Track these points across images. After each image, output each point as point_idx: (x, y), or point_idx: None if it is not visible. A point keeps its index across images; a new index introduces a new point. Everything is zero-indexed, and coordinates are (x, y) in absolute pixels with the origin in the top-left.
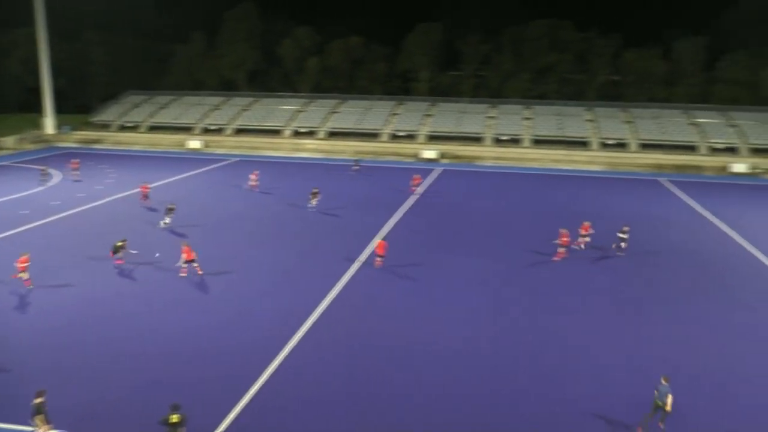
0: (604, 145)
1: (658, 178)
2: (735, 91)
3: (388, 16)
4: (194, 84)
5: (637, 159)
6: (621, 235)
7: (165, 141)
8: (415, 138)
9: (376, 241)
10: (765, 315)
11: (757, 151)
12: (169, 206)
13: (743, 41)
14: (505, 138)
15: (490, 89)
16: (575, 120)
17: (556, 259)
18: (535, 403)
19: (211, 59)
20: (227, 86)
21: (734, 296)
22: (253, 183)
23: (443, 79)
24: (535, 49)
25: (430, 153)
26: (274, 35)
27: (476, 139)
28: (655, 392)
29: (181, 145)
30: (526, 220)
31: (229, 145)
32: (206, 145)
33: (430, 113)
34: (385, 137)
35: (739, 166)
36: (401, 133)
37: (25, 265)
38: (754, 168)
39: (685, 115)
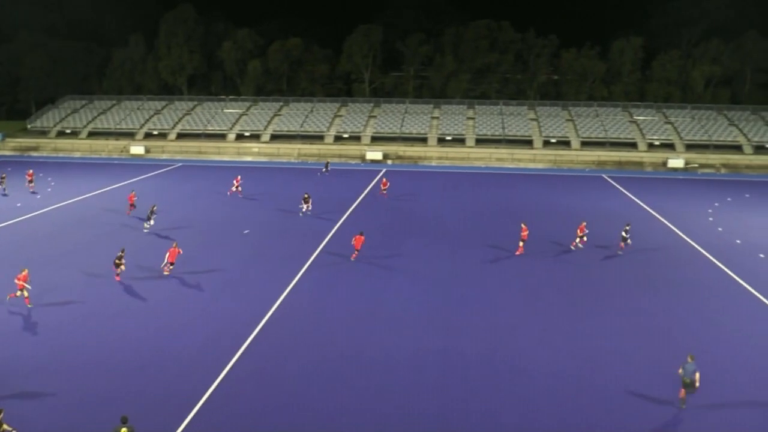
0: (547, 143)
1: (601, 174)
2: (668, 89)
3: (327, 17)
4: (135, 88)
5: (579, 156)
6: (624, 234)
7: (106, 147)
8: (359, 139)
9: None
10: (706, 301)
11: (692, 147)
12: (152, 208)
13: (675, 42)
14: (449, 138)
15: (433, 89)
16: (518, 119)
17: (518, 253)
18: (490, 401)
19: (151, 63)
20: (168, 90)
21: (678, 286)
22: (236, 188)
23: (386, 80)
24: (475, 50)
25: (374, 154)
26: (213, 37)
27: (420, 140)
28: (680, 371)
29: (124, 150)
30: (474, 219)
31: (172, 150)
32: (149, 151)
33: (373, 114)
34: (329, 139)
35: (676, 161)
36: (345, 135)
37: (23, 283)
38: (689, 163)
39: (624, 112)
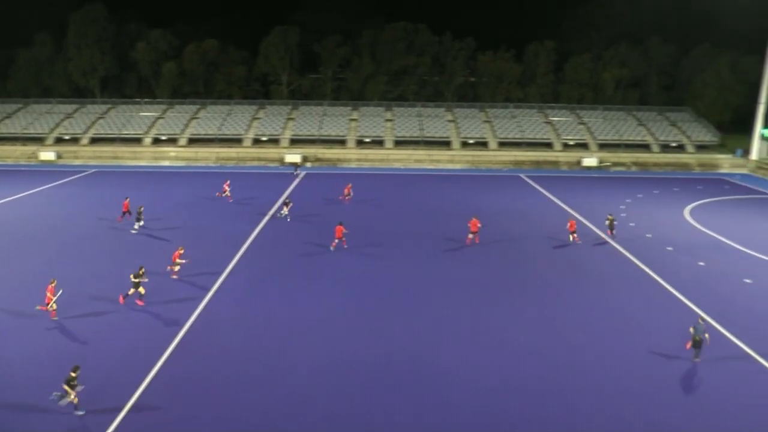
0: (465, 144)
1: (519, 174)
2: (581, 91)
3: (243, 18)
4: (43, 90)
5: (497, 156)
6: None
7: (13, 153)
8: (278, 142)
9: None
10: (620, 292)
11: (604, 146)
12: (139, 209)
13: (586, 45)
14: (367, 140)
15: (351, 91)
16: (436, 120)
17: (467, 242)
18: (413, 400)
19: (60, 64)
20: (79, 93)
21: (594, 279)
22: (226, 192)
23: (304, 82)
24: (392, 52)
25: (293, 157)
26: (126, 38)
27: (339, 142)
28: (692, 329)
29: (33, 156)
30: (397, 219)
31: (85, 156)
32: (60, 156)
33: (292, 117)
34: (248, 142)
35: (590, 160)
36: (264, 138)
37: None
38: (602, 161)
39: (539, 113)
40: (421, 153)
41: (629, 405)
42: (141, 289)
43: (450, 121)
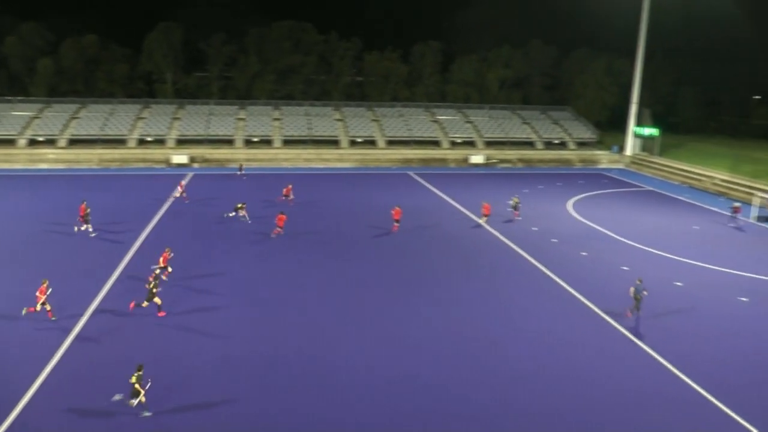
0: (354, 143)
1: (407, 172)
2: (467, 90)
3: (125, 14)
4: None
5: (385, 155)
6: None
7: None
8: (164, 142)
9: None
10: (509, 284)
11: (491, 144)
12: (87, 211)
13: (471, 47)
14: (255, 139)
15: (238, 90)
16: (324, 119)
17: (394, 229)
18: (309, 400)
19: None
20: None
21: (484, 272)
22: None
23: (189, 81)
24: (279, 51)
25: (180, 157)
26: None
27: (227, 142)
28: (632, 289)
29: None
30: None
31: None
32: None
33: (177, 116)
34: (132, 143)
35: (477, 158)
36: (149, 138)
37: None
38: (488, 159)
39: (427, 112)
40: (310, 152)
41: (522, 392)
42: (157, 299)
43: (338, 120)
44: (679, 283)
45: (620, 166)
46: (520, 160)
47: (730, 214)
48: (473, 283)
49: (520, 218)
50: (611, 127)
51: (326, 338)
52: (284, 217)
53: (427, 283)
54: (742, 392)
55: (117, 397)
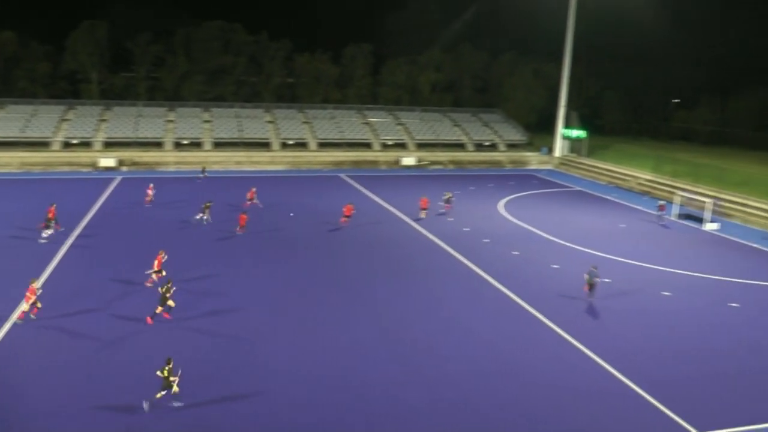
0: (285, 145)
1: (339, 174)
2: (398, 93)
3: (46, 9)
4: None
5: (317, 157)
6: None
7: None
8: (90, 145)
9: None
10: (440, 284)
11: (422, 146)
12: (48, 216)
13: (402, 49)
14: (185, 142)
15: (166, 91)
16: (255, 122)
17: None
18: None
19: None
20: None
21: (416, 273)
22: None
23: (116, 81)
24: (208, 51)
25: (108, 161)
26: None
27: (156, 144)
28: (587, 275)
29: None
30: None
31: None
32: None
33: (104, 118)
34: (56, 146)
35: (408, 160)
36: (75, 141)
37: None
38: (420, 161)
39: (358, 114)
40: (240, 155)
41: (454, 390)
42: (171, 302)
43: (269, 122)
44: (607, 280)
45: (549, 167)
46: (452, 162)
47: (656, 212)
48: (405, 283)
49: (451, 211)
50: (540, 129)
51: (257, 341)
52: (245, 216)
53: (360, 285)
54: (666, 384)
55: (146, 405)
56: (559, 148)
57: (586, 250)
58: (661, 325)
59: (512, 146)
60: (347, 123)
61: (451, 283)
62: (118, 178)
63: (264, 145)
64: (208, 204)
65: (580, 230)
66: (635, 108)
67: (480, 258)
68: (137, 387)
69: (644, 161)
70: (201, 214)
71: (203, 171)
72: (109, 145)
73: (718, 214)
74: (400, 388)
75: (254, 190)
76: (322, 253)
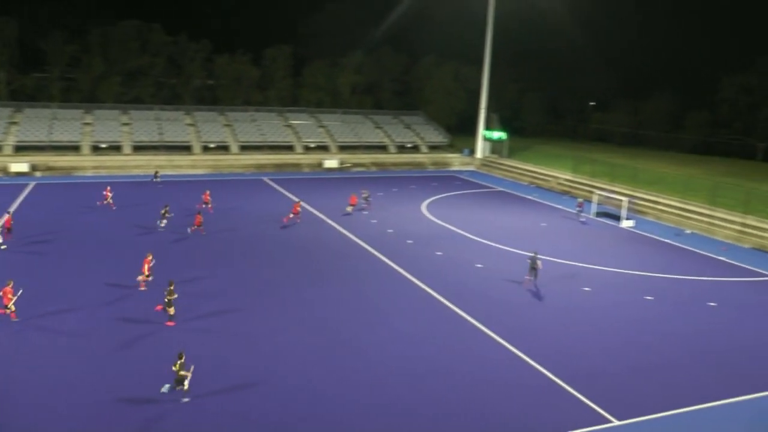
0: (206, 149)
1: (262, 177)
2: (319, 95)
3: None
4: None
5: (239, 160)
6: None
7: None
8: (0, 149)
9: None
10: (367, 286)
11: (344, 148)
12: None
13: (323, 51)
14: (104, 145)
15: (82, 93)
16: (175, 124)
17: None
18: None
19: None
20: None
21: (342, 275)
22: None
23: (27, 81)
24: (125, 51)
25: (20, 166)
26: None
27: (72, 148)
28: (529, 260)
29: None
30: (138, 230)
31: None
32: None
33: (15, 120)
34: None
35: (331, 162)
36: None
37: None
38: (342, 163)
39: (280, 117)
40: (161, 158)
41: (381, 390)
42: (171, 309)
43: (190, 124)
44: (529, 277)
45: (471, 168)
46: (374, 164)
47: (575, 210)
48: (330, 286)
49: (374, 212)
50: (461, 131)
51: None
52: (200, 217)
53: (285, 288)
54: (588, 377)
55: (164, 388)
56: (481, 149)
57: (509, 248)
58: (582, 319)
59: (434, 148)
60: (269, 126)
61: (375, 285)
62: (32, 184)
63: (185, 149)
64: (164, 211)
65: (502, 229)
66: (554, 110)
67: (404, 259)
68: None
69: (563, 162)
70: (163, 221)
71: (156, 175)
72: (21, 149)
73: (633, 212)
74: (327, 390)
75: (208, 192)
76: (239, 257)
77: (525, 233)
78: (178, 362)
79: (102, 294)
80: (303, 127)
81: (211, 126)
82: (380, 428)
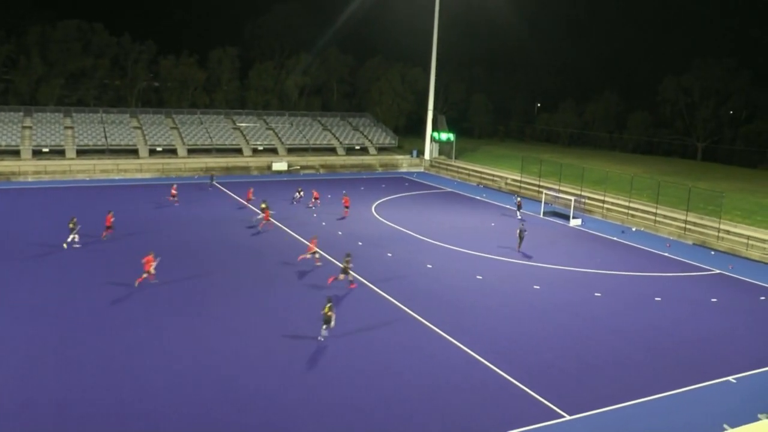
0: (153, 152)
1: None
2: (266, 97)
3: None
4: None
5: (187, 164)
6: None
7: None
8: None
9: None
10: (317, 290)
11: (293, 150)
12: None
13: (269, 53)
14: (45, 149)
15: (21, 95)
16: (120, 127)
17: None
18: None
19: None
20: None
21: (291, 280)
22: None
23: None
24: (66, 52)
25: None
26: None
27: (12, 153)
28: (518, 230)
29: None
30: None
31: None
32: None
33: None
34: None
35: (280, 165)
36: None
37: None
38: (291, 165)
39: (227, 119)
40: (107, 162)
41: (333, 391)
42: (343, 275)
43: (136, 127)
44: (479, 276)
45: (420, 169)
46: (323, 166)
47: (515, 208)
48: (279, 289)
49: (321, 214)
50: (409, 133)
51: (134, 354)
52: (110, 216)
53: (233, 294)
54: (539, 373)
55: (323, 334)
56: (429, 150)
57: (459, 249)
58: (532, 317)
59: (382, 149)
60: (216, 128)
61: (326, 288)
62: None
63: (132, 152)
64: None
65: (452, 230)
66: (501, 111)
67: (355, 261)
68: None
69: (511, 162)
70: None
71: (212, 179)
72: None
73: (580, 211)
74: (279, 393)
75: (175, 186)
76: (189, 264)
77: (474, 233)
78: (327, 306)
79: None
80: (251, 129)
81: (158, 129)
82: (332, 430)
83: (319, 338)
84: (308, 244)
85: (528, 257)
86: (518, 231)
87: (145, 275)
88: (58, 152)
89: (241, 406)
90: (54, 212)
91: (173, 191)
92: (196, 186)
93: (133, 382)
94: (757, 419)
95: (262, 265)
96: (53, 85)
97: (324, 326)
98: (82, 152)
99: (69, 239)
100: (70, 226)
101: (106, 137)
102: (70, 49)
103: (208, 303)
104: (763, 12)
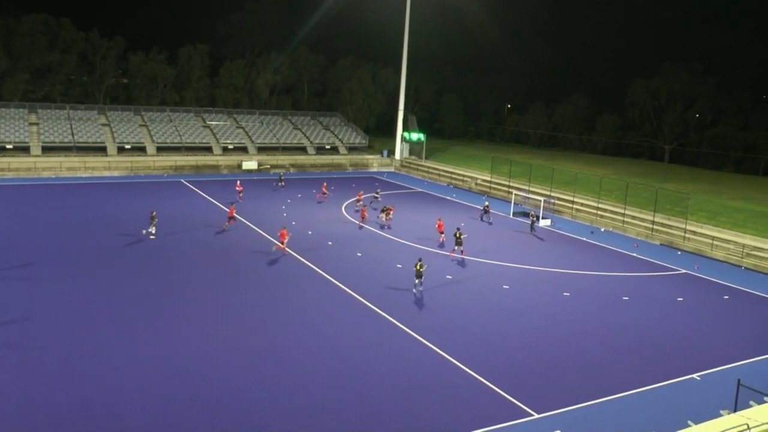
0: (122, 150)
1: (180, 179)
2: (237, 95)
3: None
4: None
5: (156, 162)
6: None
7: None
8: None
9: None
10: (288, 287)
11: (263, 149)
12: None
13: (240, 51)
14: (9, 146)
15: None
16: (88, 124)
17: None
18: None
19: None
20: None
21: (263, 278)
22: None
23: None
24: (31, 47)
25: None
26: None
27: None
28: (454, 234)
29: None
30: (45, 236)
31: None
32: None
33: None
34: None
35: (250, 164)
36: None
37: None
38: (262, 164)
39: (197, 118)
40: (74, 160)
41: (302, 391)
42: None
43: (104, 124)
44: (449, 276)
45: (391, 169)
46: (293, 166)
47: (482, 210)
48: (250, 289)
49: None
50: (380, 133)
51: (102, 355)
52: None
53: (205, 293)
54: (508, 372)
55: (418, 287)
56: (400, 150)
57: (428, 248)
58: (502, 317)
59: (353, 149)
60: (186, 126)
61: (297, 287)
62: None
63: (99, 150)
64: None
65: (422, 230)
66: (471, 112)
67: (324, 261)
68: None
69: (482, 163)
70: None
71: (281, 178)
72: None
73: (550, 211)
74: (248, 395)
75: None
76: (160, 264)
77: (444, 233)
78: (419, 263)
79: None
80: (221, 128)
81: (127, 126)
82: (301, 430)
83: (413, 290)
84: (279, 234)
85: (462, 264)
86: (454, 235)
87: (281, 245)
88: (23, 149)
89: (207, 406)
90: (18, 211)
91: (238, 188)
92: (166, 184)
93: (101, 381)
94: (720, 415)
95: (234, 263)
96: (18, 80)
97: (417, 280)
98: (47, 149)
99: (150, 229)
100: (152, 216)
101: (73, 134)
102: (36, 43)
103: (167, 304)
104: (728, 19)
